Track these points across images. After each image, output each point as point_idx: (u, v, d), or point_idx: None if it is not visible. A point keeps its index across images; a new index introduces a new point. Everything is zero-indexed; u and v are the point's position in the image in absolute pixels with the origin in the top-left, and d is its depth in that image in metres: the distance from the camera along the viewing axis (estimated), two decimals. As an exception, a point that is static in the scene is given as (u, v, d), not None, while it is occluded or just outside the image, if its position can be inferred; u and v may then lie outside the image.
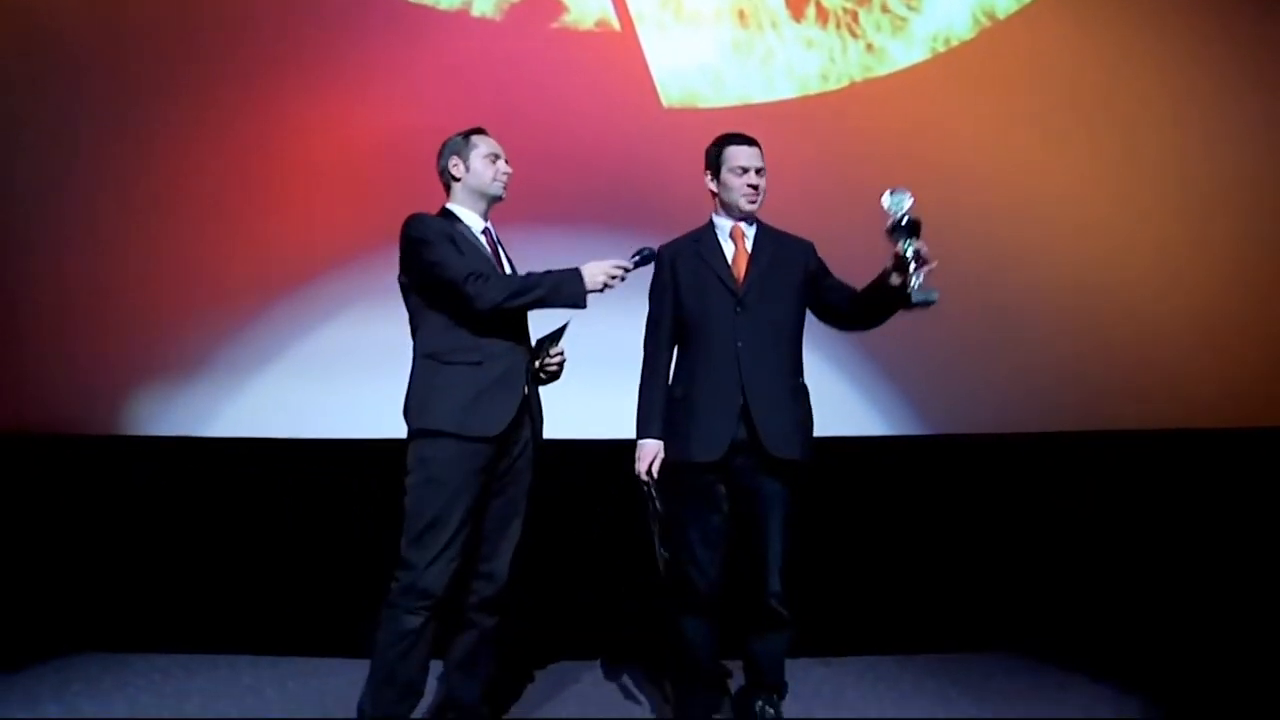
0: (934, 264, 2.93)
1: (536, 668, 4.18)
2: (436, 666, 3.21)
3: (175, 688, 3.99)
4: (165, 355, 4.59)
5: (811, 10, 4.68)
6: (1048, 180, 4.61)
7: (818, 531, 4.30)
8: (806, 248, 3.38)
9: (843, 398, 4.51)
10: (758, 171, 3.29)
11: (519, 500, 3.28)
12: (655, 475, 3.29)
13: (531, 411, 3.27)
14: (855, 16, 4.68)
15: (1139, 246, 4.63)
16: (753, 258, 3.31)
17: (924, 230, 2.91)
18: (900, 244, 2.93)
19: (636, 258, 3.21)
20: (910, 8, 4.70)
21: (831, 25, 4.68)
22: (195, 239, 4.63)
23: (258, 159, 4.65)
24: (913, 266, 2.91)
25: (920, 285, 2.91)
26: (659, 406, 3.34)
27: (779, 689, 3.45)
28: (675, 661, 3.50)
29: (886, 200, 2.94)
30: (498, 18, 4.66)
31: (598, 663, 4.24)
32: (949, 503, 4.54)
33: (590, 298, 3.14)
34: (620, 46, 4.69)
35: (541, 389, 3.36)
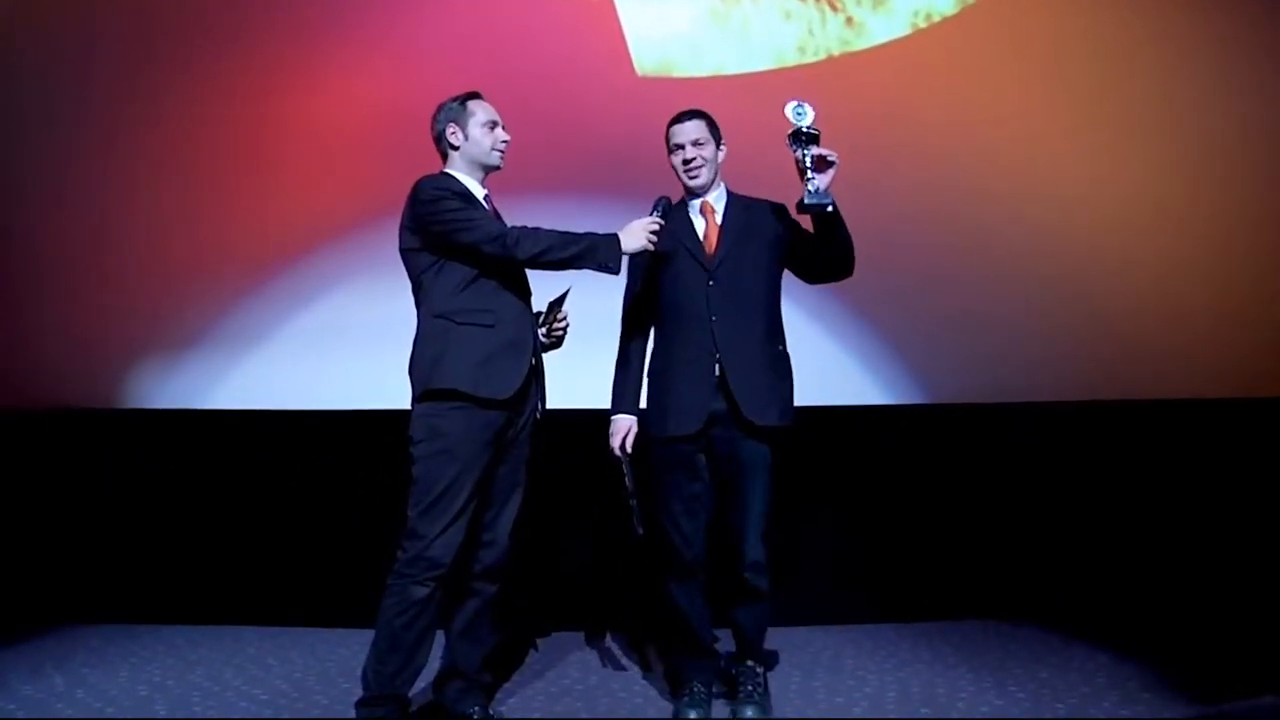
0: (834, 167, 3.10)
1: (539, 635, 4.26)
2: (439, 636, 3.24)
3: (179, 658, 4.04)
4: (165, 329, 4.61)
5: None
6: (1031, 155, 4.61)
7: (820, 501, 4.43)
8: (779, 211, 3.40)
9: (843, 368, 4.53)
10: (694, 144, 3.30)
11: (520, 469, 3.29)
12: (629, 451, 3.35)
13: (538, 379, 3.27)
14: None
15: (1134, 216, 4.62)
16: (723, 230, 3.34)
17: (822, 140, 3.09)
18: (798, 151, 3.08)
19: (658, 211, 3.21)
20: None
21: None
22: (194, 213, 4.64)
23: (250, 131, 4.66)
24: (810, 173, 3.07)
25: (818, 189, 3.08)
26: (634, 383, 3.40)
27: (762, 659, 3.51)
28: (667, 629, 3.55)
29: (789, 110, 3.10)
30: None
31: (586, 632, 4.30)
32: (951, 472, 4.54)
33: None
34: (597, 13, 4.64)
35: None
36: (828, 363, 4.48)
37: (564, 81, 4.58)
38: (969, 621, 4.40)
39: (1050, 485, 4.55)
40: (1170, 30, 4.66)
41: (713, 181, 3.38)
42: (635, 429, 3.36)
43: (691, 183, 3.34)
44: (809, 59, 4.64)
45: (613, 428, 3.37)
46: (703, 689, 3.41)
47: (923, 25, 4.64)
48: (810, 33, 4.65)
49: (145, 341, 4.61)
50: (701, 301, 3.27)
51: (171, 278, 4.62)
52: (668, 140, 3.37)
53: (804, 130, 3.09)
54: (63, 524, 4.60)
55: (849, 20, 4.65)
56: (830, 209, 3.13)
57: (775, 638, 4.02)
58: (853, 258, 3.28)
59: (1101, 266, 4.59)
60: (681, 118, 3.35)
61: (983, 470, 4.54)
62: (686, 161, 3.32)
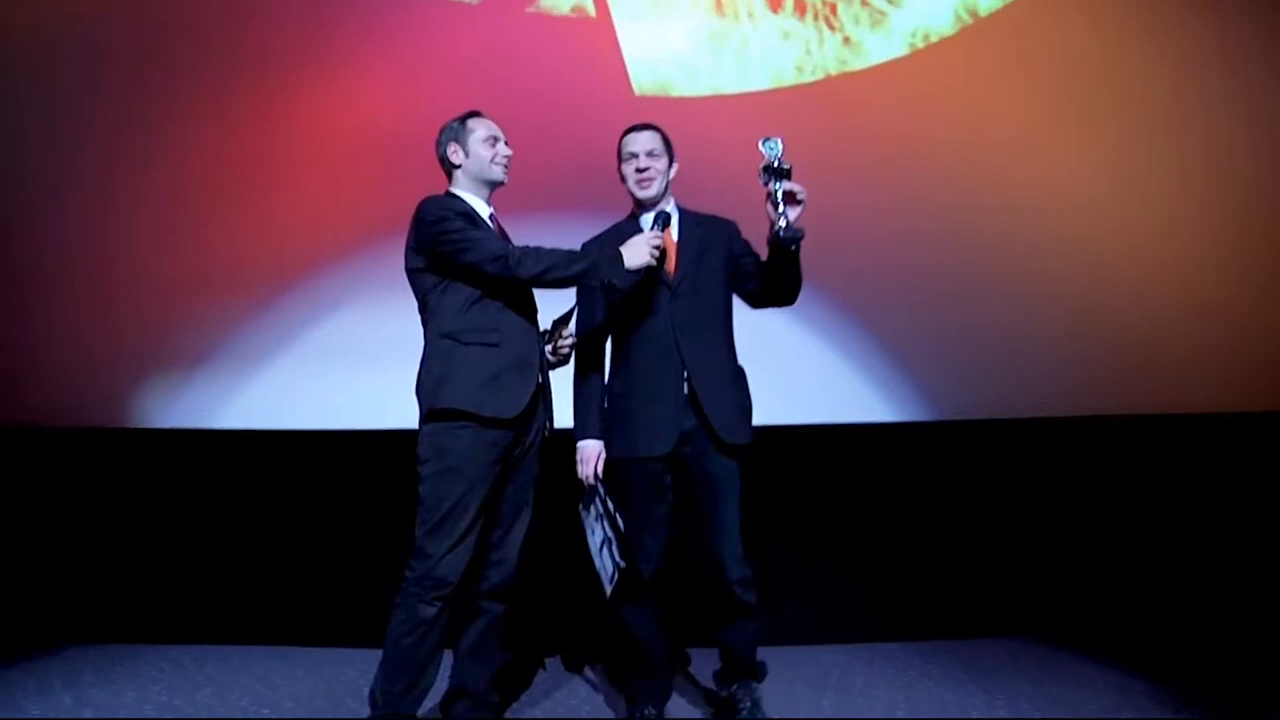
0: (803, 204, 3.09)
1: (547, 655, 4.26)
2: (447, 656, 3.22)
3: (186, 677, 4.04)
4: (173, 347, 4.62)
5: (789, 1, 4.67)
6: (1033, 173, 4.59)
7: (828, 518, 4.46)
8: (729, 228, 3.39)
9: (850, 385, 4.51)
10: (648, 154, 3.28)
11: (528, 488, 3.28)
12: (601, 477, 3.30)
13: (545, 398, 3.27)
14: (834, 9, 4.67)
15: (1137, 233, 4.59)
16: (680, 244, 3.32)
17: (794, 174, 3.08)
18: (770, 185, 3.08)
19: (658, 226, 3.21)
20: (890, 2, 4.68)
21: (809, 17, 4.66)
22: (202, 230, 4.65)
23: (255, 147, 4.68)
24: (782, 206, 3.07)
25: (789, 223, 3.08)
26: (597, 405, 3.34)
27: (755, 673, 3.44)
28: (622, 653, 3.53)
29: (762, 145, 3.08)
30: (474, 1, 4.67)
31: (595, 651, 4.28)
32: (959, 489, 4.52)
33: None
34: (595, 32, 4.66)
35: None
36: (834, 379, 4.49)
37: (562, 101, 4.59)
38: (979, 639, 4.38)
39: (1059, 501, 4.53)
40: (1176, 44, 4.66)
41: (663, 195, 3.35)
42: (604, 454, 3.31)
43: (642, 193, 3.31)
44: (807, 79, 4.65)
45: (581, 454, 3.32)
46: (654, 712, 3.41)
47: (921, 46, 4.65)
48: (808, 52, 4.65)
49: (153, 359, 4.62)
50: (665, 319, 3.25)
51: (179, 295, 4.63)
52: (620, 149, 3.35)
53: (775, 165, 3.09)
54: (70, 542, 4.59)
55: (847, 40, 4.65)
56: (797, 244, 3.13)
57: (784, 655, 4.04)
58: (799, 289, 3.28)
59: (1107, 280, 4.58)
60: (636, 128, 3.35)
61: (991, 486, 4.53)
62: (640, 170, 3.29)
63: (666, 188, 3.37)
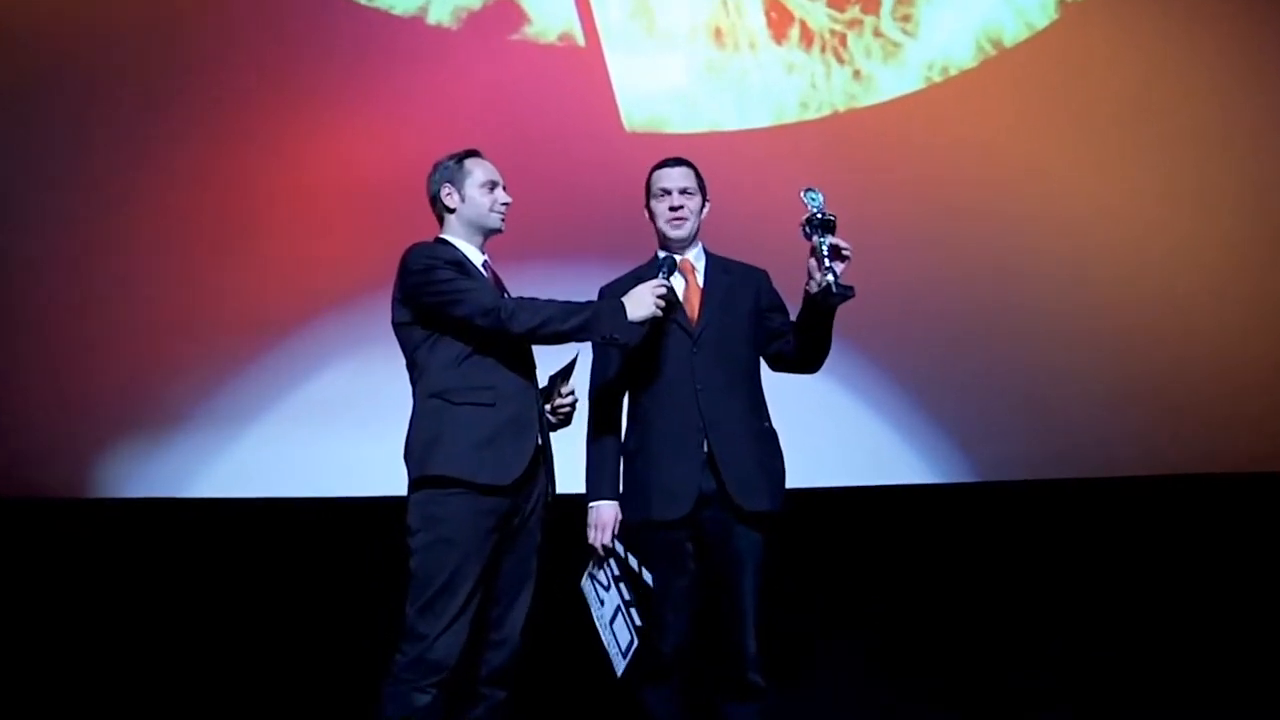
0: (849, 259, 2.95)
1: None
2: None
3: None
4: (141, 408, 4.45)
5: (795, 31, 4.57)
6: (1055, 225, 4.53)
7: (862, 586, 4.34)
8: (759, 277, 3.27)
9: (884, 444, 4.44)
10: (682, 192, 3.15)
11: (530, 560, 3.12)
12: (613, 545, 3.15)
13: (546, 461, 3.12)
14: (843, 40, 4.55)
15: (1181, 285, 4.54)
16: (706, 292, 3.18)
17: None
18: (815, 239, 2.94)
19: (664, 272, 3.05)
20: (906, 32, 4.57)
21: (816, 48, 4.56)
22: (178, 283, 4.51)
23: (238, 196, 4.55)
24: (828, 261, 2.92)
25: (838, 279, 2.93)
26: (612, 463, 3.20)
27: None
28: None
29: (804, 196, 2.96)
30: (454, 26, 4.54)
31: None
32: (1004, 554, 4.42)
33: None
34: (584, 63, 4.58)
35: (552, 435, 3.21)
36: (867, 438, 4.42)
37: (546, 137, 4.47)
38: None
39: (1116, 567, 4.40)
40: (1224, 84, 4.62)
41: (693, 237, 3.22)
42: (620, 517, 3.15)
43: (675, 232, 3.15)
44: (811, 115, 4.56)
45: (594, 518, 3.15)
46: None
47: (938, 79, 4.55)
48: (814, 86, 4.56)
49: (120, 422, 4.45)
50: (685, 370, 3.09)
51: (149, 352, 4.47)
52: (650, 186, 3.21)
53: (820, 217, 2.94)
54: (22, 626, 4.36)
55: (857, 73, 4.55)
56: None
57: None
58: (827, 354, 3.16)
59: (1150, 325, 4.52)
60: (669, 162, 3.20)
61: (1043, 552, 4.41)
62: (673, 209, 3.14)
63: (698, 229, 3.23)
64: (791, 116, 4.56)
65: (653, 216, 3.21)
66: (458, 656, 2.88)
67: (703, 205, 3.21)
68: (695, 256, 3.22)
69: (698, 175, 3.21)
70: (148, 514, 4.40)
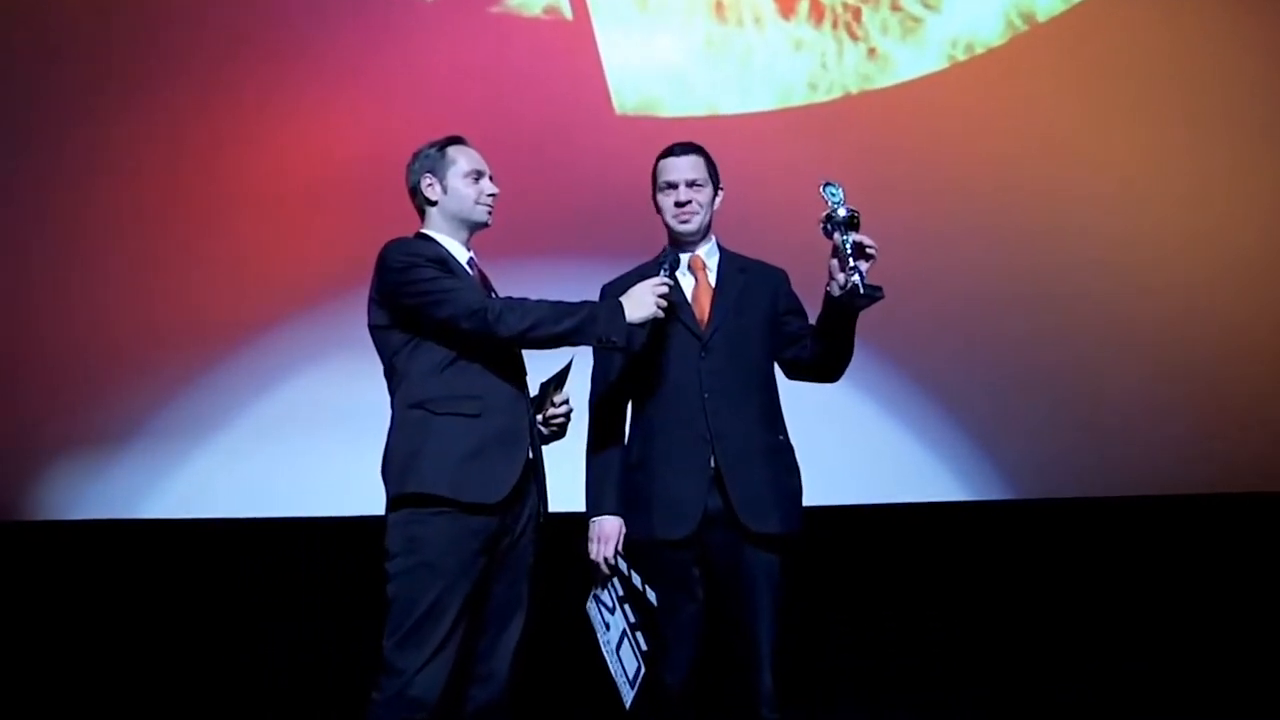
0: (874, 258, 2.79)
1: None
2: None
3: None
4: (86, 424, 4.27)
5: (804, 5, 4.39)
6: (1095, 219, 4.38)
7: (899, 604, 4.27)
8: (778, 277, 3.09)
9: (918, 461, 4.32)
10: (689, 185, 2.96)
11: (521, 584, 2.95)
12: (616, 562, 2.96)
13: (537, 477, 2.96)
14: (857, 14, 4.38)
15: (1225, 286, 4.40)
16: (717, 291, 3.00)
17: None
18: (837, 238, 2.78)
19: (665, 269, 2.88)
20: (927, 6, 4.41)
21: (827, 24, 4.39)
22: (129, 284, 4.32)
23: (201, 187, 4.35)
24: (852, 261, 2.76)
25: (864, 279, 2.78)
26: (614, 476, 3.02)
27: None
28: None
29: (823, 191, 2.80)
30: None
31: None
32: (1042, 573, 4.32)
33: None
34: (571, 39, 4.42)
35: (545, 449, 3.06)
36: (900, 455, 4.30)
37: (529, 120, 4.32)
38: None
39: (1162, 586, 4.30)
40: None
41: (705, 232, 3.03)
42: (624, 531, 2.96)
43: (682, 228, 2.96)
44: (821, 97, 4.39)
45: (595, 531, 2.96)
46: None
47: (962, 58, 4.39)
48: (824, 66, 4.39)
49: (63, 439, 4.27)
50: (692, 375, 2.91)
51: (93, 364, 4.29)
52: (655, 176, 3.01)
53: (842, 213, 2.77)
54: None
55: (871, 52, 4.38)
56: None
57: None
58: (849, 362, 2.98)
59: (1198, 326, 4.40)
60: (675, 150, 3.01)
61: (1084, 571, 4.31)
62: (680, 204, 2.95)
63: (710, 222, 3.05)
64: (799, 99, 4.40)
65: (660, 210, 3.03)
66: (440, 693, 2.72)
67: (715, 196, 3.04)
68: (707, 253, 3.04)
69: (708, 163, 3.03)
70: (95, 537, 4.26)
